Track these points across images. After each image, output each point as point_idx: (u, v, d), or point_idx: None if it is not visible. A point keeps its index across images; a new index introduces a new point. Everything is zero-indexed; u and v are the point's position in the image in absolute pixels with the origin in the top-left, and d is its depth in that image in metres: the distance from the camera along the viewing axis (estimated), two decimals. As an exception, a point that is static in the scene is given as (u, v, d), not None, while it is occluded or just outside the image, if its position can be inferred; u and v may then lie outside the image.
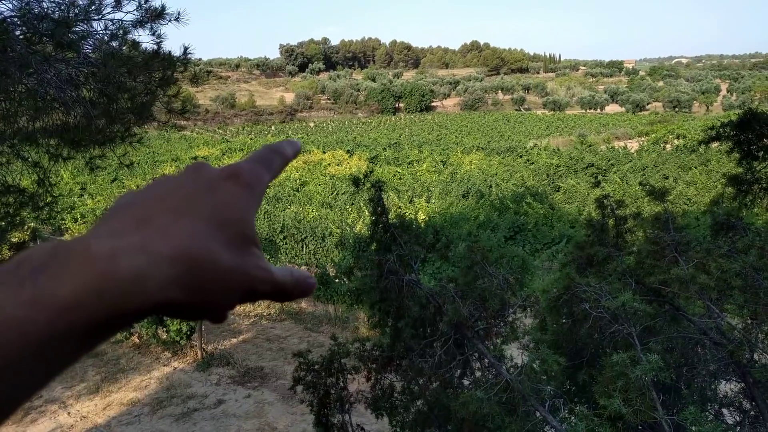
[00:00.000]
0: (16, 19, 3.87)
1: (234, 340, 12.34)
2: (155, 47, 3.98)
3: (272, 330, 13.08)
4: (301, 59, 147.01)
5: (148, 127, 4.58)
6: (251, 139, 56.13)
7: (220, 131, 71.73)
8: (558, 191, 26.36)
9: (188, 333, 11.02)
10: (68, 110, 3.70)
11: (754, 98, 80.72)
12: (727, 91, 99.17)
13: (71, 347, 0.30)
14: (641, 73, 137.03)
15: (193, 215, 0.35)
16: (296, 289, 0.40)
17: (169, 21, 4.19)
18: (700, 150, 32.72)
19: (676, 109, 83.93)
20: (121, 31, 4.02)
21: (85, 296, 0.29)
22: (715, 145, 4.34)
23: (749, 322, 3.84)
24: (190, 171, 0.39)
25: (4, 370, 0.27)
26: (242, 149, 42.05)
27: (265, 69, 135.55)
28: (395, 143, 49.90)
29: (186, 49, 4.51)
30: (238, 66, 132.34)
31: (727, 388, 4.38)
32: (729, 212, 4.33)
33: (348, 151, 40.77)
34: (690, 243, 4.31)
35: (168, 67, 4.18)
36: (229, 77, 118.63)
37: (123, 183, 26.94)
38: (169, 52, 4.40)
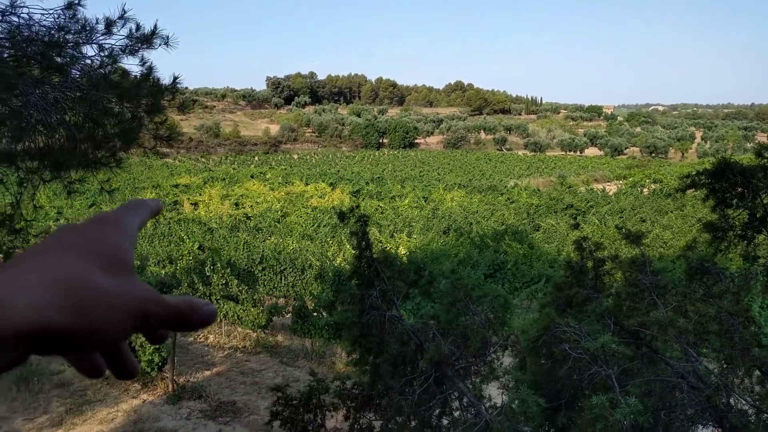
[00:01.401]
0: (4, 41, 3.87)
1: (207, 373, 12.03)
2: (145, 72, 4.00)
3: (247, 363, 12.80)
4: (288, 92, 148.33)
5: (132, 153, 4.57)
6: (234, 168, 56.00)
7: (203, 160, 71.47)
8: (538, 231, 26.64)
9: (160, 364, 10.72)
10: (52, 133, 3.67)
11: (727, 147, 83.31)
12: (702, 139, 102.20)
13: None
14: (619, 118, 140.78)
15: (65, 250, 0.38)
16: (194, 315, 0.40)
17: (159, 45, 4.22)
18: (676, 195, 33.48)
19: (653, 155, 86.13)
20: (109, 59, 4.04)
21: None
22: (690, 191, 4.45)
23: (725, 366, 3.88)
24: (66, 228, 0.42)
25: None
26: (224, 178, 41.90)
27: (251, 100, 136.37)
28: (378, 178, 50.19)
29: (176, 78, 4.54)
30: (224, 96, 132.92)
31: (704, 433, 4.39)
32: (703, 257, 4.41)
33: (331, 184, 40.87)
34: (667, 286, 4.37)
35: (156, 94, 4.19)
36: (215, 107, 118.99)
37: (101, 208, 26.53)
38: (158, 79, 4.42)
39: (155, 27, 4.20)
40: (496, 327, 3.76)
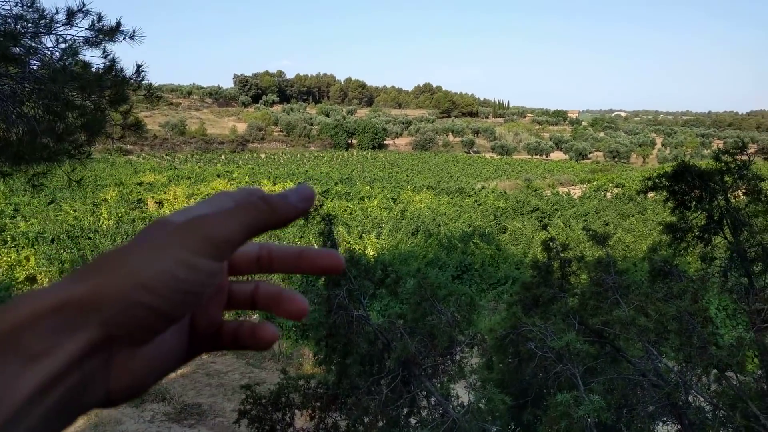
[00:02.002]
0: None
1: (172, 375, 11.79)
2: (108, 64, 3.89)
3: (212, 365, 12.59)
4: (255, 90, 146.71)
5: (99, 145, 4.44)
6: (200, 167, 55.04)
7: (168, 158, 70.05)
8: (504, 233, 26.99)
9: (121, 366, 10.46)
10: (9, 126, 3.53)
11: (686, 153, 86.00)
12: (662, 145, 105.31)
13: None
14: (584, 123, 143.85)
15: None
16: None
17: (124, 38, 4.10)
18: (638, 199, 34.39)
19: (616, 159, 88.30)
20: (70, 51, 3.91)
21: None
22: (651, 194, 4.57)
23: (684, 364, 3.99)
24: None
25: None
26: (190, 177, 41.15)
27: (217, 98, 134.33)
28: (347, 178, 50.09)
29: (140, 66, 4.41)
30: (190, 93, 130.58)
31: (665, 429, 4.51)
32: (665, 259, 4.53)
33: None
34: (630, 287, 4.47)
35: (120, 84, 4.08)
36: (180, 104, 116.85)
37: (60, 206, 25.74)
38: (122, 69, 4.30)
39: (119, 22, 4.09)
40: (463, 326, 3.79)
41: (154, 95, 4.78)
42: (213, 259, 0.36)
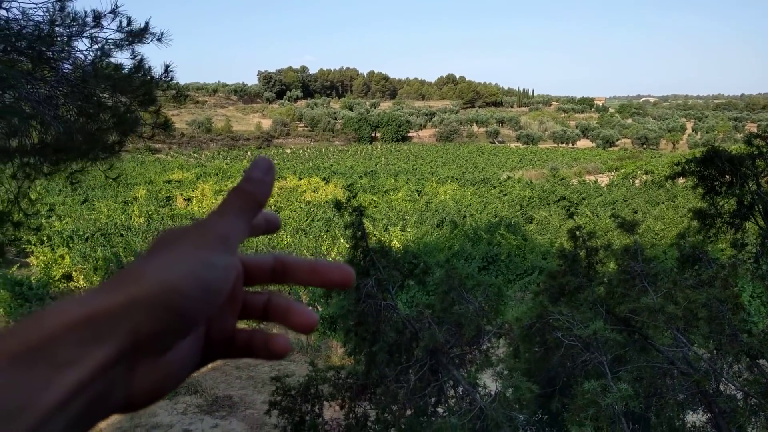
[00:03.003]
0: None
1: (203, 369, 12.03)
2: (136, 63, 3.99)
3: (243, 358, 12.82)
4: (279, 86, 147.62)
5: (129, 143, 4.56)
6: (227, 164, 55.74)
7: (195, 155, 71.11)
8: (531, 223, 26.75)
9: (156, 359, 10.72)
10: (46, 129, 3.67)
11: (718, 137, 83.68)
12: (692, 130, 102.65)
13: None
14: (611, 110, 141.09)
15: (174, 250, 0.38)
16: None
17: (152, 40, 4.20)
18: (667, 186, 33.67)
19: (644, 146, 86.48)
20: (100, 53, 4.03)
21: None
22: (681, 181, 4.51)
23: (715, 352, 3.94)
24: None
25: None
26: (217, 174, 41.73)
27: (242, 95, 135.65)
28: (371, 172, 50.15)
29: (168, 67, 4.51)
30: (215, 91, 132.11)
31: (695, 418, 4.46)
32: (695, 245, 4.47)
33: (324, 179, 40.82)
34: (658, 274, 4.43)
35: (149, 84, 4.19)
36: (206, 102, 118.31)
37: (93, 205, 26.40)
38: (150, 68, 4.40)
39: (147, 23, 4.18)
40: (490, 315, 3.81)
41: (182, 95, 4.88)
42: (226, 254, 0.39)
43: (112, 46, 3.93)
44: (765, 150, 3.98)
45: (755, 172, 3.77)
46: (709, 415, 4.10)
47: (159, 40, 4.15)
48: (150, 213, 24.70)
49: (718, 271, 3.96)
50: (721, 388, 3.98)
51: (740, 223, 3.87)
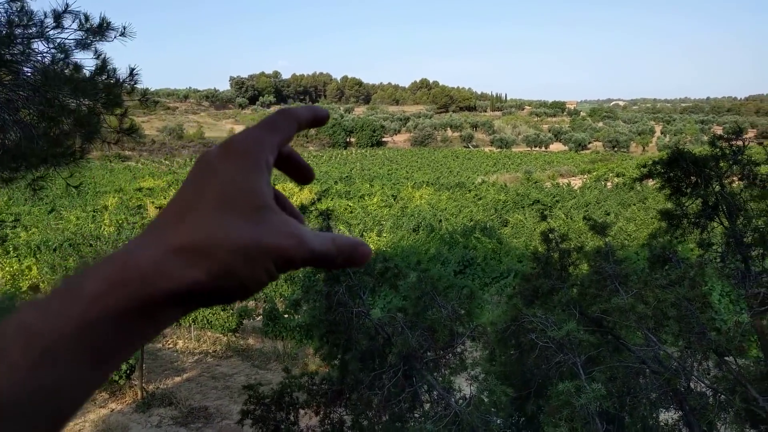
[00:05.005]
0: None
1: (177, 379, 11.82)
2: (99, 64, 3.89)
3: (218, 368, 12.62)
4: (252, 92, 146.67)
5: (95, 149, 4.44)
6: (200, 170, 54.97)
7: (167, 162, 70.07)
8: (506, 226, 27.00)
9: (128, 372, 10.49)
10: (5, 133, 3.55)
11: (685, 140, 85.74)
12: (661, 133, 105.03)
13: (110, 335, 0.33)
14: (582, 113, 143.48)
15: (199, 206, 0.37)
16: (340, 257, 0.40)
17: (115, 36, 4.10)
18: (638, 188, 34.35)
19: (615, 149, 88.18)
20: (61, 54, 3.91)
21: (108, 287, 0.33)
22: (651, 182, 4.58)
23: (685, 350, 4.01)
24: (197, 163, 0.40)
25: (45, 360, 0.31)
26: (190, 181, 41.15)
27: (214, 101, 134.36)
28: (346, 177, 50.08)
29: (132, 70, 4.40)
30: (186, 97, 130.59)
31: (667, 416, 4.52)
32: (664, 246, 4.55)
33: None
34: (629, 275, 4.48)
35: (113, 87, 4.08)
36: (178, 108, 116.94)
37: (61, 214, 25.78)
38: (114, 69, 4.29)
39: (106, 20, 4.07)
40: (464, 318, 3.81)
41: (150, 100, 4.78)
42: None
43: (73, 47, 3.83)
44: (728, 152, 4.07)
45: (719, 173, 3.85)
46: (680, 412, 4.16)
47: (122, 34, 4.05)
48: (121, 222, 24.24)
49: (687, 271, 4.03)
50: (692, 385, 4.04)
51: (705, 223, 3.95)
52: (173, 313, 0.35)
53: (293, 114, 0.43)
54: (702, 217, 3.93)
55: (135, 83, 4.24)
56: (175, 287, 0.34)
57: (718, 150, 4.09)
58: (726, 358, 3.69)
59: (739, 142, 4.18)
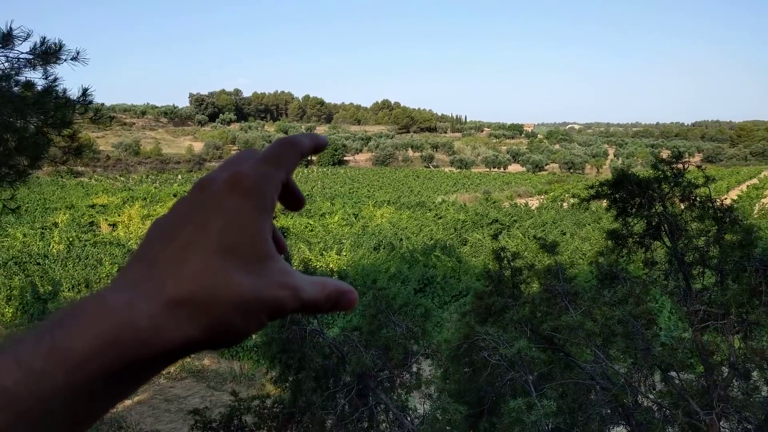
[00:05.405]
0: None
1: (128, 402, 11.39)
2: (48, 85, 3.79)
3: (171, 390, 12.23)
4: (212, 109, 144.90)
5: (42, 170, 4.30)
6: (156, 187, 53.81)
7: (122, 179, 68.35)
8: (465, 245, 27.30)
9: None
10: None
11: (637, 162, 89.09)
12: (614, 156, 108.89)
13: (95, 397, 0.30)
14: (539, 136, 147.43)
15: (202, 248, 0.34)
16: (328, 304, 0.39)
17: (66, 60, 4.01)
18: (593, 208, 35.36)
19: (571, 170, 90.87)
20: (12, 71, 3.81)
21: (101, 347, 0.30)
22: (604, 203, 4.74)
23: (631, 366, 4.12)
24: (196, 191, 0.39)
25: (22, 424, 0.27)
26: (145, 198, 40.18)
27: (173, 117, 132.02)
28: (307, 195, 49.80)
29: (86, 90, 4.32)
30: (144, 113, 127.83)
31: (617, 431, 4.63)
32: (612, 263, 4.70)
33: (258, 203, 39.98)
34: (578, 293, 4.61)
35: (63, 108, 3.99)
36: (134, 124, 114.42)
37: (6, 231, 24.73)
38: (65, 90, 4.20)
39: (59, 43, 4.00)
40: (418, 337, 3.83)
41: (104, 117, 4.69)
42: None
43: (22, 66, 3.73)
44: (669, 174, 4.26)
45: (661, 195, 4.02)
46: (628, 428, 4.26)
47: (74, 59, 3.97)
48: (71, 239, 23.40)
49: (633, 289, 4.17)
50: (640, 400, 4.16)
51: (650, 242, 4.11)
52: (160, 368, 0.33)
53: (297, 145, 0.42)
54: (646, 237, 4.08)
55: (88, 103, 4.14)
56: (169, 346, 0.32)
57: (660, 172, 4.28)
58: (670, 374, 3.82)
59: (680, 166, 4.38)
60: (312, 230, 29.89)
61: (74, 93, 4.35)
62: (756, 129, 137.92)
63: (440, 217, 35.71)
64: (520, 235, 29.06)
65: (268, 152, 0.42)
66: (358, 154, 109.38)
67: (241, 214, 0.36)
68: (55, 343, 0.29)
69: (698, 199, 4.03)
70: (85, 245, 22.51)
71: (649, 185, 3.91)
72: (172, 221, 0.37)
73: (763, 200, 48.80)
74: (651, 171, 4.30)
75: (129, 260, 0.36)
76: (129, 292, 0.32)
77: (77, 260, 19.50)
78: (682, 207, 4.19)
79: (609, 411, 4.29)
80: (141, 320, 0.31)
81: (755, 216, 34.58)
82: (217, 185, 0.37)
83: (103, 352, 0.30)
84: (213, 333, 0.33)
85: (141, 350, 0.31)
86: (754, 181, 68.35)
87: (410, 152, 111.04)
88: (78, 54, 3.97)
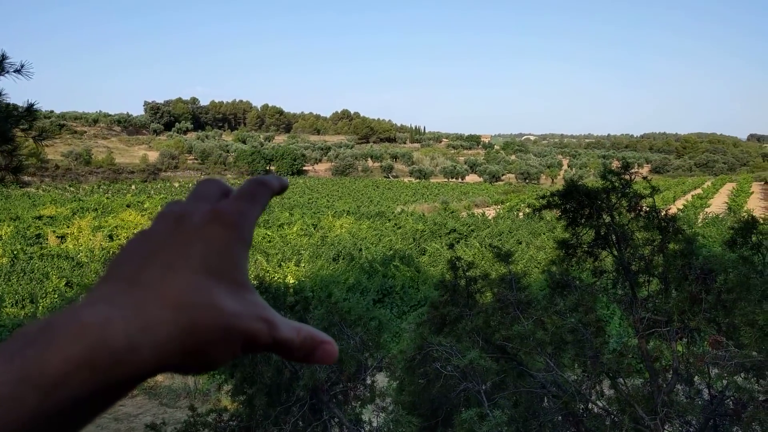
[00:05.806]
0: None
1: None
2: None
3: (121, 408, 11.80)
4: (168, 117, 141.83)
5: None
6: (108, 198, 52.17)
7: (72, 189, 66.02)
8: (424, 255, 27.47)
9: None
10: None
11: (589, 173, 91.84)
12: (568, 166, 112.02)
13: (66, 420, 0.29)
14: (496, 147, 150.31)
15: (185, 268, 0.34)
16: (301, 351, 0.38)
17: (8, 72, 3.85)
18: (547, 218, 36.20)
19: (527, 181, 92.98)
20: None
21: (76, 369, 0.28)
22: (557, 212, 4.83)
23: (581, 374, 4.21)
24: (170, 221, 0.37)
25: None
26: (96, 209, 38.91)
27: (126, 125, 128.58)
28: (265, 206, 49.17)
29: (32, 105, 4.15)
30: (96, 121, 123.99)
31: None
32: (563, 272, 4.80)
33: (215, 213, 39.31)
34: (531, 302, 4.69)
35: (4, 122, 3.81)
36: (86, 132, 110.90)
37: (-55, 245, 23.48)
38: (7, 105, 4.02)
39: (2, 53, 3.83)
40: (372, 349, 3.81)
41: (51, 134, 4.50)
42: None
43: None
44: (618, 184, 4.39)
45: (609, 205, 4.14)
46: (579, 434, 4.34)
47: (18, 72, 3.81)
48: (15, 252, 22.41)
49: (582, 297, 4.26)
50: (590, 407, 4.25)
51: (597, 252, 4.22)
52: (131, 389, 0.32)
53: (269, 186, 0.43)
54: (595, 247, 4.19)
55: (34, 119, 3.97)
56: (143, 366, 0.30)
57: (608, 183, 4.41)
58: (618, 380, 3.91)
59: (627, 176, 4.53)
60: (270, 241, 29.54)
61: (17, 101, 4.18)
62: (699, 141, 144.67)
63: (399, 227, 35.87)
64: (477, 244, 29.46)
65: (244, 190, 0.41)
66: (317, 164, 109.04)
67: (224, 242, 0.36)
68: (25, 365, 0.28)
69: (644, 209, 4.17)
70: (31, 257, 21.60)
71: (597, 196, 4.02)
72: (150, 243, 0.36)
73: (706, 209, 51.08)
74: (601, 181, 4.42)
75: (102, 278, 0.34)
76: (105, 310, 0.31)
77: (22, 274, 18.68)
78: (629, 217, 4.32)
79: (560, 418, 4.36)
80: (117, 339, 0.30)
81: (699, 224, 36.06)
82: (198, 217, 0.38)
83: (74, 375, 0.28)
84: (189, 355, 0.32)
85: (114, 372, 0.29)
86: (698, 191, 71.55)
87: (370, 162, 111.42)
88: (22, 67, 3.80)
